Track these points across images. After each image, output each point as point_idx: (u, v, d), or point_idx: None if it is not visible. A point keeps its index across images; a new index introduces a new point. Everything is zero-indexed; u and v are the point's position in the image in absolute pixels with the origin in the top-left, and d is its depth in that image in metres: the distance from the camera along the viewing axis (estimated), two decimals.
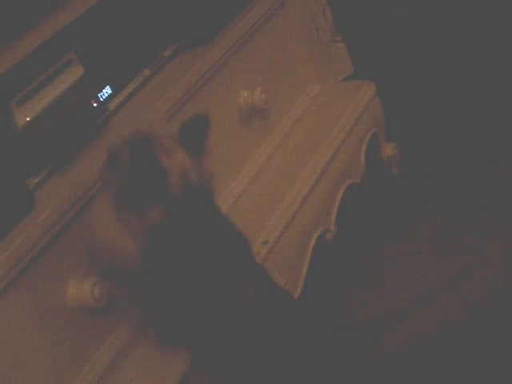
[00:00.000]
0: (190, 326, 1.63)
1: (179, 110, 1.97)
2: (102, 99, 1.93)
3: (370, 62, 2.78)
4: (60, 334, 1.65)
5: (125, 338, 1.78)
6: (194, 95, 2.03)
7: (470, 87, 2.89)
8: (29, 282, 1.58)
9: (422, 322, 2.06)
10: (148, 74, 2.06)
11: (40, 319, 1.61)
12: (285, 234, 2.04)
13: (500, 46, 2.89)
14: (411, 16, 2.91)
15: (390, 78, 2.82)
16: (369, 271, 2.30)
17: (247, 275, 1.64)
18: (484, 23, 2.88)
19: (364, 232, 2.46)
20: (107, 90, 1.95)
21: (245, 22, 2.22)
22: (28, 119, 1.75)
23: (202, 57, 2.08)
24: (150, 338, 1.76)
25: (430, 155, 2.74)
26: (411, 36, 2.91)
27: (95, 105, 1.90)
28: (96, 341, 1.74)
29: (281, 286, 1.79)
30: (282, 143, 2.35)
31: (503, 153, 2.59)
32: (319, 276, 2.20)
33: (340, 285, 2.28)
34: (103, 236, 1.76)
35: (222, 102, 2.13)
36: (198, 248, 1.60)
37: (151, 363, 1.73)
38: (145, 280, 1.66)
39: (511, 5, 2.84)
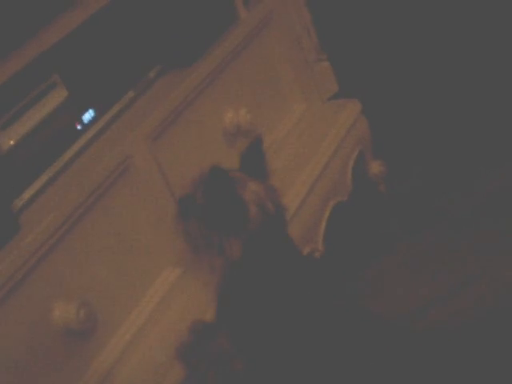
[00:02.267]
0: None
1: (164, 131, 1.97)
2: (85, 122, 1.93)
3: (356, 81, 2.78)
4: (46, 356, 1.64)
5: (113, 360, 1.77)
6: (179, 116, 2.03)
7: (455, 104, 2.90)
8: (14, 305, 1.57)
9: None
10: (132, 95, 2.06)
11: (26, 341, 1.60)
12: None
13: (486, 65, 2.90)
14: (396, 34, 2.92)
15: (376, 95, 2.82)
16: (358, 289, 2.30)
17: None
18: (468, 44, 2.90)
19: (352, 250, 2.46)
20: (91, 113, 1.95)
21: (229, 42, 2.22)
22: (12, 142, 1.75)
23: (186, 78, 2.08)
24: None
25: (416, 172, 2.74)
26: (396, 54, 2.93)
27: (79, 127, 1.91)
28: (83, 363, 1.73)
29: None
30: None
31: (488, 168, 2.60)
32: None
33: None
34: None
35: (207, 122, 2.13)
36: (283, 280, 1.58)
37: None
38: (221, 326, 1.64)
39: (495, 28, 2.85)
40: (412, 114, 2.93)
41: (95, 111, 1.96)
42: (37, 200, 1.75)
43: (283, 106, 2.50)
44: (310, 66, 2.56)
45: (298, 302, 1.59)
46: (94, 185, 1.77)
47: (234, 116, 2.19)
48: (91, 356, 1.75)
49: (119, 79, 2.05)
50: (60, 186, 1.79)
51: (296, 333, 1.56)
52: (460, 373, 1.68)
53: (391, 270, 2.34)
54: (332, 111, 2.54)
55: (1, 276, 1.54)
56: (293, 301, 1.58)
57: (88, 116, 1.94)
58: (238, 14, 2.33)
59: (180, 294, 1.93)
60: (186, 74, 2.11)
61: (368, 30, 2.93)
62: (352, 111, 2.53)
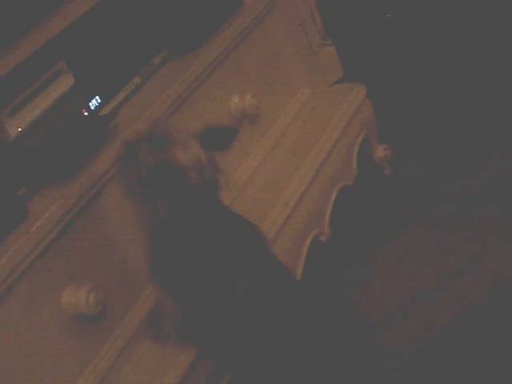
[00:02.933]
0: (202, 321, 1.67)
1: (170, 116, 1.98)
2: (92, 108, 1.94)
3: (361, 65, 2.79)
4: (57, 340, 1.66)
5: (123, 341, 1.79)
6: (185, 101, 2.04)
7: (459, 88, 2.91)
8: (24, 291, 1.59)
9: (419, 321, 2.07)
10: (139, 81, 2.07)
11: (36, 326, 1.61)
12: (279, 238, 2.05)
13: (490, 49, 2.90)
14: (400, 18, 2.92)
15: (381, 80, 2.83)
16: (363, 272, 2.31)
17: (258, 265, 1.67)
18: (474, 26, 2.90)
19: (358, 234, 2.47)
20: (97, 99, 1.96)
21: (234, 27, 2.23)
22: (20, 129, 1.76)
23: (192, 63, 2.09)
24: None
25: (422, 156, 2.75)
26: (400, 38, 2.93)
27: (86, 114, 1.92)
28: (94, 346, 1.75)
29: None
30: (273, 148, 2.36)
31: (492, 153, 2.61)
32: (314, 278, 2.20)
33: (335, 286, 2.29)
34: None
35: (213, 107, 2.14)
36: (208, 240, 1.64)
37: (150, 365, 1.74)
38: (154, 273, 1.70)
39: (500, 7, 2.85)
40: (417, 99, 2.93)
41: (101, 97, 1.97)
42: (44, 186, 1.76)
43: (288, 91, 2.51)
44: (315, 50, 2.57)
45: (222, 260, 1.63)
46: (101, 171, 1.78)
47: (239, 101, 2.20)
48: (101, 341, 1.77)
49: (125, 65, 2.06)
50: (67, 173, 1.80)
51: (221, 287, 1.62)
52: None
53: (392, 256, 2.35)
54: (337, 96, 2.54)
55: (10, 262, 1.55)
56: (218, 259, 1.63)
57: (94, 102, 1.95)
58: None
59: None
60: (191, 59, 2.12)
61: (372, 13, 2.93)
62: (357, 95, 2.53)
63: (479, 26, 2.90)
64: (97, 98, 1.96)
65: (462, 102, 2.87)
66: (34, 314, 1.61)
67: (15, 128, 1.75)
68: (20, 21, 1.76)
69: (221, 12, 2.25)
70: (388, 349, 1.98)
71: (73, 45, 1.92)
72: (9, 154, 1.73)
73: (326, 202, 2.28)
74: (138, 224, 1.84)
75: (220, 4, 2.25)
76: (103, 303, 1.72)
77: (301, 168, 2.24)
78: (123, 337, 1.80)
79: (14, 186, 1.71)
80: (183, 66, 2.10)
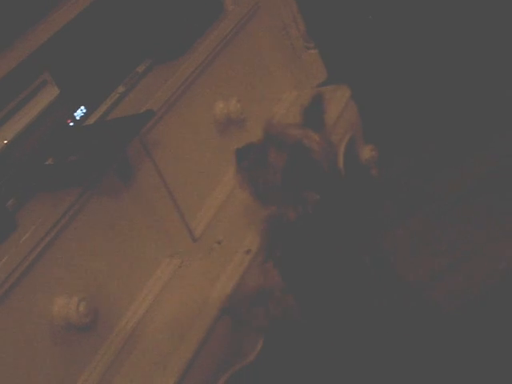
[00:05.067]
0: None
1: (155, 124, 1.98)
2: (77, 118, 1.94)
3: (344, 67, 2.80)
4: (49, 351, 1.66)
5: (115, 351, 1.79)
6: (170, 109, 2.04)
7: (443, 87, 2.92)
8: (14, 303, 1.59)
9: None
10: (122, 90, 2.08)
11: (27, 338, 1.61)
12: None
13: (474, 48, 2.91)
14: (382, 19, 2.93)
15: (365, 81, 2.84)
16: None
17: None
18: (457, 25, 2.91)
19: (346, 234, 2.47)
20: (82, 109, 1.96)
21: (217, 33, 2.24)
22: (6, 141, 1.76)
23: (175, 71, 2.10)
24: None
25: (408, 156, 2.76)
26: (383, 39, 2.94)
27: (71, 124, 1.92)
28: (86, 356, 1.75)
29: None
30: None
31: (478, 150, 2.62)
32: None
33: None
34: None
35: (199, 113, 2.15)
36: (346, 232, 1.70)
37: (141, 375, 1.74)
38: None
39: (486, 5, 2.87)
40: (401, 99, 2.94)
41: (86, 107, 1.98)
42: (32, 198, 1.76)
43: (273, 95, 2.52)
44: (298, 54, 2.58)
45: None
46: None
47: (224, 106, 2.21)
48: (93, 350, 1.77)
49: (109, 75, 2.07)
50: (55, 183, 1.80)
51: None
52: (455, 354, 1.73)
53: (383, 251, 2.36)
54: None
55: (0, 274, 1.55)
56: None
57: (80, 112, 1.96)
58: (224, 6, 2.34)
59: (178, 284, 1.95)
60: (174, 67, 2.12)
61: (354, 15, 2.94)
62: (341, 97, 2.54)
63: (462, 25, 2.92)
64: (82, 108, 1.96)
65: (447, 101, 2.88)
66: (25, 325, 1.61)
67: (1, 140, 1.76)
68: (2, 33, 1.76)
69: (203, 19, 2.26)
70: None
71: (56, 56, 1.92)
72: None
73: None
74: (126, 231, 1.86)
75: (202, 11, 2.26)
76: (94, 313, 1.72)
77: None
78: (115, 346, 1.80)
79: (1, 198, 1.71)
80: (167, 73, 2.11)
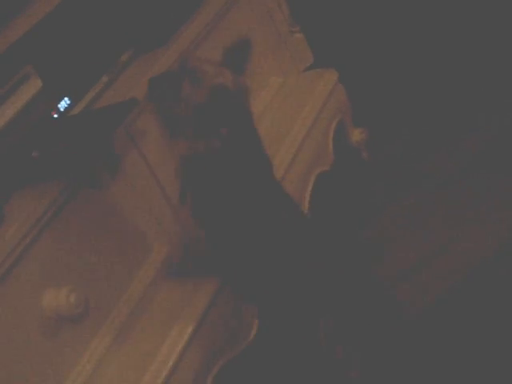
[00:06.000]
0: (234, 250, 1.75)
1: (141, 113, 1.97)
2: (62, 110, 1.93)
3: (331, 50, 2.79)
4: (41, 344, 1.65)
5: (108, 341, 1.79)
6: None
7: (432, 67, 2.91)
8: (3, 296, 1.58)
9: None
10: (106, 80, 2.06)
11: (19, 331, 1.61)
12: None
13: (463, 27, 2.91)
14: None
15: (352, 63, 2.83)
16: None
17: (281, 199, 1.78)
18: (447, 4, 2.90)
19: (338, 218, 2.47)
20: (66, 100, 1.95)
21: (199, 20, 2.23)
22: None
23: (159, 59, 2.08)
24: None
25: (398, 138, 2.76)
26: (369, 19, 2.93)
27: (56, 116, 1.91)
28: (79, 348, 1.74)
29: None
30: None
31: (470, 130, 2.62)
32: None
33: None
34: None
35: None
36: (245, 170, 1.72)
37: (134, 365, 1.74)
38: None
39: None
40: (390, 80, 2.93)
41: (70, 99, 1.96)
42: (18, 191, 1.75)
43: (260, 80, 2.51)
44: (284, 38, 2.57)
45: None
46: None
47: None
48: (85, 342, 1.76)
49: (92, 65, 2.05)
50: (40, 175, 1.79)
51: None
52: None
53: (378, 232, 2.36)
54: (309, 82, 2.55)
55: None
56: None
57: (64, 104, 1.94)
58: None
59: (169, 273, 1.94)
60: (158, 55, 2.11)
61: None
62: (329, 80, 2.53)
63: (452, 4, 2.91)
64: (66, 99, 1.95)
65: (437, 82, 2.88)
66: (15, 319, 1.60)
67: None
68: None
69: (185, 6, 2.25)
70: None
71: (38, 48, 1.91)
72: None
73: (304, 188, 2.28)
74: (115, 221, 1.85)
75: None
76: (85, 303, 1.71)
77: (276, 156, 2.24)
78: (108, 337, 1.80)
79: None
80: (150, 62, 2.10)
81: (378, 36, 2.94)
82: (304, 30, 2.62)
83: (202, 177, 1.72)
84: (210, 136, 1.68)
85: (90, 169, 1.79)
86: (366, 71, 2.91)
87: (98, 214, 1.83)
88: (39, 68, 1.89)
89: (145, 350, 1.76)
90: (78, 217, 1.78)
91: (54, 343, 1.68)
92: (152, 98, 1.76)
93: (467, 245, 2.17)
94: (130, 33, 2.16)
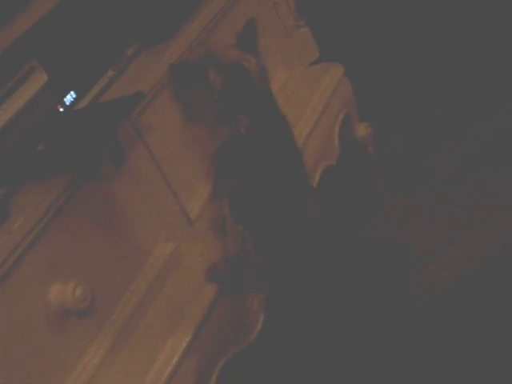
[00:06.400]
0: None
1: (146, 107, 1.97)
2: (67, 103, 1.93)
3: (337, 44, 2.78)
4: (46, 338, 1.65)
5: (113, 336, 1.78)
6: (161, 91, 2.03)
7: (437, 62, 2.91)
8: (9, 291, 1.58)
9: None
10: (112, 74, 2.06)
11: (24, 326, 1.60)
12: None
13: (467, 21, 2.90)
14: None
15: (358, 58, 2.82)
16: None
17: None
18: (452, 1, 2.90)
19: (344, 212, 2.47)
20: (72, 94, 1.95)
21: (205, 14, 2.22)
22: None
23: (164, 53, 2.08)
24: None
25: (403, 132, 2.75)
26: (375, 14, 2.92)
27: (61, 110, 1.91)
28: (84, 342, 1.74)
29: None
30: None
31: (474, 124, 2.62)
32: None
33: None
34: None
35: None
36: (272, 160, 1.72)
37: (140, 360, 1.74)
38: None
39: None
40: (395, 73, 2.93)
41: (76, 93, 1.96)
42: (24, 185, 1.75)
43: None
44: (289, 33, 2.56)
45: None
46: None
47: None
48: (91, 336, 1.76)
49: (97, 59, 2.05)
50: (46, 170, 1.79)
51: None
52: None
53: (383, 227, 2.36)
54: (314, 76, 2.54)
55: None
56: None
57: (69, 98, 1.94)
58: None
59: (175, 267, 1.94)
60: (163, 49, 2.11)
61: None
62: (334, 75, 2.53)
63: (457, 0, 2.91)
64: (71, 93, 1.95)
65: (442, 76, 2.87)
66: (21, 313, 1.60)
67: None
68: None
69: (190, 1, 2.24)
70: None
71: (43, 42, 1.90)
72: None
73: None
74: (120, 215, 1.85)
75: None
76: (91, 297, 1.71)
77: None
78: (113, 332, 1.79)
79: None
80: (156, 56, 2.09)
81: (383, 30, 2.94)
82: (310, 24, 2.61)
83: (239, 164, 1.72)
84: (237, 121, 1.68)
85: (92, 160, 1.78)
86: (372, 66, 2.90)
87: (103, 209, 1.83)
88: (44, 62, 1.89)
89: (149, 345, 1.76)
90: (83, 211, 1.78)
91: (59, 337, 1.68)
92: (177, 86, 1.76)
93: (474, 237, 2.17)
94: (136, 27, 2.16)
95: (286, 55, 2.56)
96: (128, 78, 2.08)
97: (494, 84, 2.75)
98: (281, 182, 1.72)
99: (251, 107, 1.69)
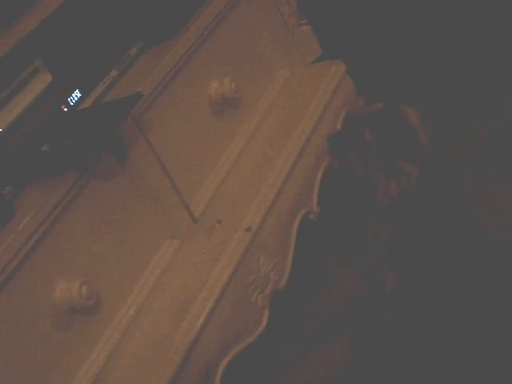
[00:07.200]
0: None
1: (150, 106, 1.98)
2: (71, 103, 1.94)
3: (339, 42, 2.78)
4: (53, 337, 1.67)
5: (118, 335, 1.80)
6: (163, 90, 2.04)
7: (439, 58, 2.91)
8: (15, 289, 1.59)
9: None
10: (115, 74, 2.07)
11: (30, 324, 1.62)
12: (268, 219, 2.04)
13: (475, 12, 2.90)
14: None
15: (360, 55, 2.82)
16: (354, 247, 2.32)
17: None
18: None
19: (348, 209, 2.47)
20: (76, 94, 1.96)
21: (208, 13, 2.23)
22: (0, 130, 1.76)
23: (168, 52, 2.09)
24: None
25: None
26: (377, 11, 2.92)
27: (65, 110, 1.92)
28: (91, 340, 1.76)
29: None
30: (256, 130, 2.36)
31: (482, 116, 2.63)
32: (307, 256, 2.21)
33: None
34: None
35: (193, 94, 2.15)
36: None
37: (146, 357, 1.75)
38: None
39: None
40: (398, 71, 2.93)
41: (80, 92, 1.97)
42: (29, 185, 1.76)
43: (267, 73, 2.51)
44: (291, 30, 2.57)
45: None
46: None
47: (218, 86, 2.21)
48: (97, 334, 1.78)
49: (101, 59, 2.06)
50: (51, 169, 1.80)
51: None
52: None
53: None
54: (316, 74, 2.54)
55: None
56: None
57: (74, 97, 1.95)
58: None
59: (180, 265, 1.95)
60: (167, 48, 2.12)
61: None
62: (336, 72, 2.53)
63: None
64: (76, 93, 1.96)
65: (446, 72, 2.87)
66: (27, 311, 1.62)
67: None
68: None
69: None
70: None
71: (47, 42, 1.91)
72: None
73: (313, 180, 2.28)
74: (125, 213, 1.86)
75: None
76: (97, 295, 1.73)
77: (285, 149, 2.24)
78: (119, 329, 1.81)
79: None
80: (159, 55, 2.10)
81: (385, 28, 2.94)
82: (312, 22, 2.61)
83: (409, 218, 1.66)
84: (398, 174, 1.64)
85: (93, 160, 1.79)
86: (374, 63, 2.90)
87: (108, 207, 1.84)
88: (48, 62, 1.90)
89: (157, 341, 1.77)
90: (88, 210, 1.80)
91: (65, 335, 1.70)
92: (334, 158, 1.77)
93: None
94: (139, 26, 2.17)
95: (288, 53, 2.57)
96: (132, 77, 2.08)
97: (493, 84, 2.75)
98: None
99: (415, 158, 1.65)
